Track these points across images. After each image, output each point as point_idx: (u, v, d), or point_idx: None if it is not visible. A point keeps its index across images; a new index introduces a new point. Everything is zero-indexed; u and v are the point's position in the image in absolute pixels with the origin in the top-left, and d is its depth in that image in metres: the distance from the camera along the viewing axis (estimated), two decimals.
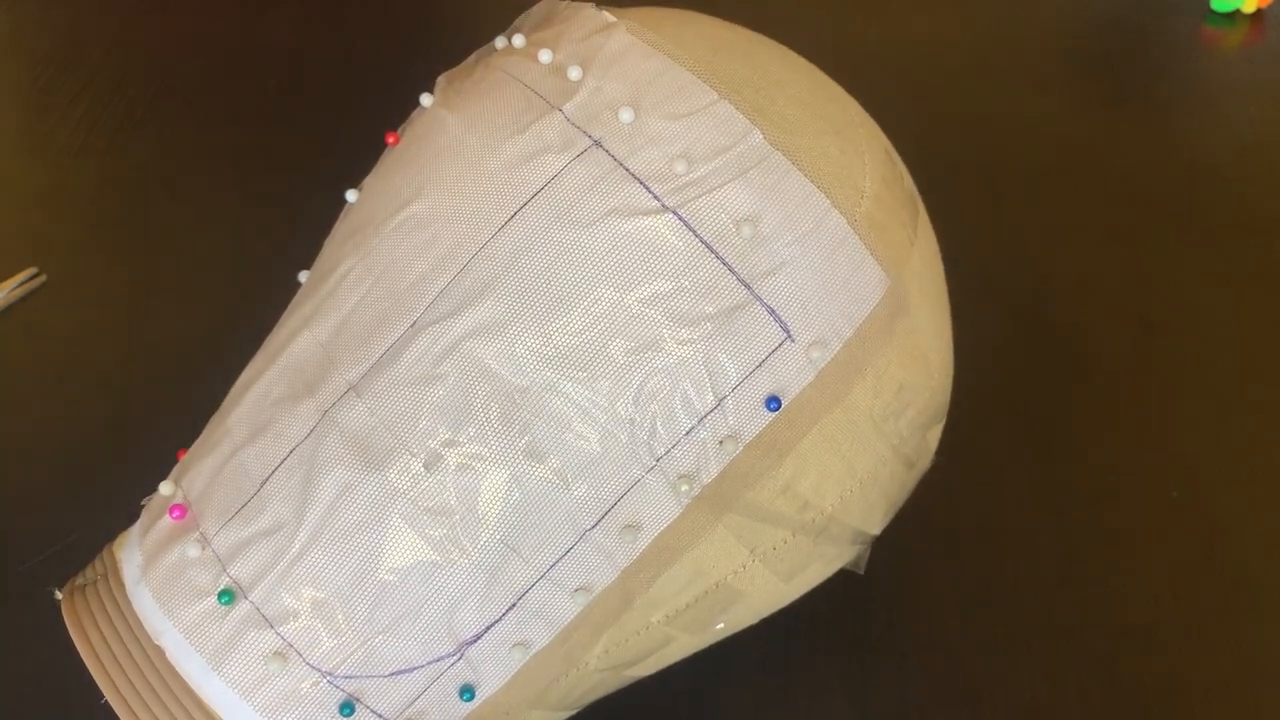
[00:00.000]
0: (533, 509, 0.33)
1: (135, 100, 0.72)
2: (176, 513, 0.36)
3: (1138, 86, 0.73)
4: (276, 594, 0.34)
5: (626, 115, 0.34)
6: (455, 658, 0.34)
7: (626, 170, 0.34)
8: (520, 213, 0.34)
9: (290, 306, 0.38)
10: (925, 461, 0.40)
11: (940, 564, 0.48)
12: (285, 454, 0.35)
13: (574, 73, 0.35)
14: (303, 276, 0.39)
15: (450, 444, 0.33)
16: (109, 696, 0.34)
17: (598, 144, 0.34)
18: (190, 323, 0.58)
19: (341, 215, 0.39)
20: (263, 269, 0.60)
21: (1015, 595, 0.48)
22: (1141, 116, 0.71)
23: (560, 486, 0.33)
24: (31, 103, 0.72)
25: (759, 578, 0.36)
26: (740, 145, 0.34)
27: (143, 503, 0.39)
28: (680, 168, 0.33)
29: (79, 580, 0.37)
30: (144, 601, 0.35)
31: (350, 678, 0.34)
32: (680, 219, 0.33)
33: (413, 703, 0.34)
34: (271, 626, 0.34)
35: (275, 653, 0.34)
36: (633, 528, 0.34)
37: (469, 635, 0.34)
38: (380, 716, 0.34)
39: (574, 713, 0.39)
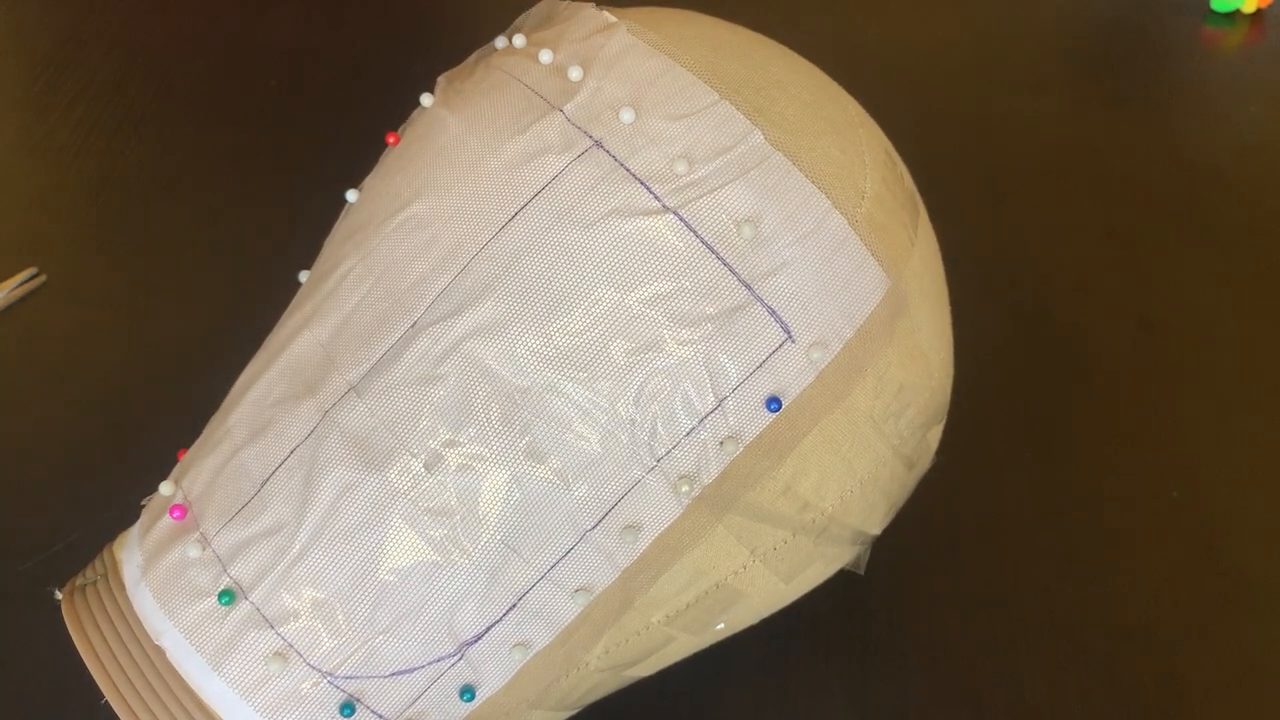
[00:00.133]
0: (533, 509, 0.33)
1: (135, 100, 0.72)
2: (177, 513, 0.36)
3: (1138, 86, 0.73)
4: (277, 594, 0.34)
5: (627, 116, 0.34)
6: (456, 658, 0.34)
7: (627, 171, 0.34)
8: (521, 213, 0.34)
9: (290, 306, 0.38)
10: (925, 461, 0.40)
11: (940, 564, 0.48)
12: (286, 454, 0.35)
13: (574, 73, 0.35)
14: (303, 276, 0.39)
15: (451, 444, 0.33)
16: (109, 696, 0.34)
17: (598, 144, 0.34)
18: (190, 323, 0.58)
19: (341, 215, 0.39)
20: (263, 269, 0.61)
21: (1015, 595, 0.48)
22: (1141, 116, 0.71)
23: (561, 487, 0.33)
24: (31, 103, 0.72)
25: (759, 578, 0.36)
26: (741, 146, 0.34)
27: (143, 503, 0.39)
28: (681, 168, 0.33)
29: (79, 580, 0.37)
30: (144, 602, 0.35)
31: (351, 678, 0.34)
32: (681, 219, 0.33)
33: (413, 703, 0.34)
34: (272, 627, 0.34)
35: (276, 653, 0.34)
36: (633, 528, 0.34)
37: (469, 635, 0.34)
38: (380, 717, 0.34)
39: (574, 713, 0.39)
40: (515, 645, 0.34)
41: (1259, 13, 0.80)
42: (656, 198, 0.33)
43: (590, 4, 0.38)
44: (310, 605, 0.34)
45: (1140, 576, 0.48)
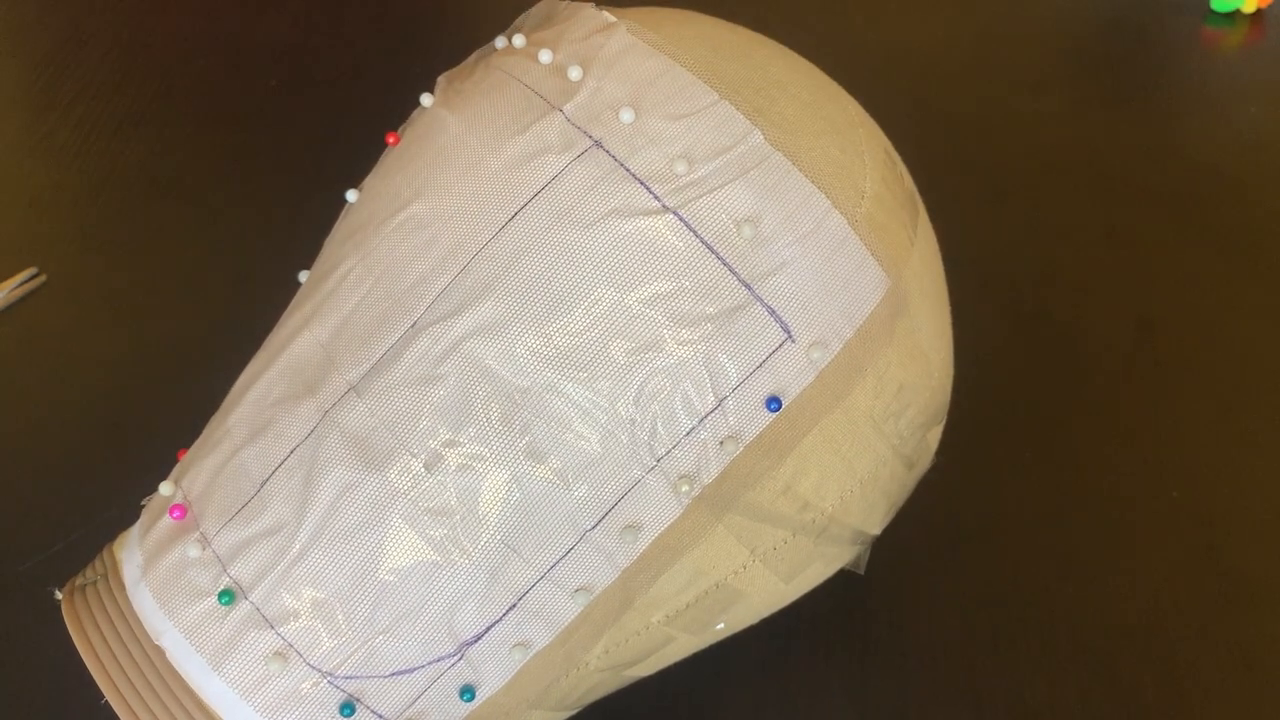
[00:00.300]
0: (533, 509, 0.33)
1: (135, 100, 0.72)
2: (177, 513, 0.36)
3: (1138, 86, 0.73)
4: (277, 594, 0.34)
5: (627, 115, 0.34)
6: (455, 658, 0.34)
7: (627, 171, 0.34)
8: (521, 213, 0.34)
9: (290, 306, 0.38)
10: (925, 461, 0.40)
11: (940, 564, 0.48)
12: (285, 454, 0.35)
13: (574, 73, 0.35)
14: (303, 276, 0.39)
15: (451, 444, 0.33)
16: (109, 696, 0.34)
17: (598, 144, 0.34)
18: (190, 323, 0.58)
19: (341, 215, 0.39)
20: (263, 269, 0.61)
21: (1015, 595, 0.48)
22: (1141, 116, 0.71)
23: (561, 487, 0.33)
24: (31, 103, 0.72)
25: (759, 578, 0.36)
26: (741, 146, 0.34)
27: (143, 503, 0.39)
28: (681, 168, 0.33)
29: (79, 580, 0.37)
30: (144, 601, 0.35)
31: (350, 678, 0.34)
32: (681, 219, 0.33)
33: (413, 703, 0.34)
34: (272, 627, 0.34)
35: (275, 653, 0.34)
36: (633, 528, 0.34)
37: (469, 635, 0.34)
38: (380, 717, 0.34)
39: (574, 713, 0.39)
40: (515, 645, 0.34)
41: (1259, 13, 0.80)
42: (656, 198, 0.33)
43: (590, 4, 0.38)
44: (310, 605, 0.34)
45: (1140, 576, 0.48)
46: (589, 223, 0.33)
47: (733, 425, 0.33)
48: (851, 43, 0.76)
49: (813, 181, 0.34)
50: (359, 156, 0.53)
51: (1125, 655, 0.46)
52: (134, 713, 0.34)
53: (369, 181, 0.39)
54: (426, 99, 0.39)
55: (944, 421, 0.40)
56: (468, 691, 0.34)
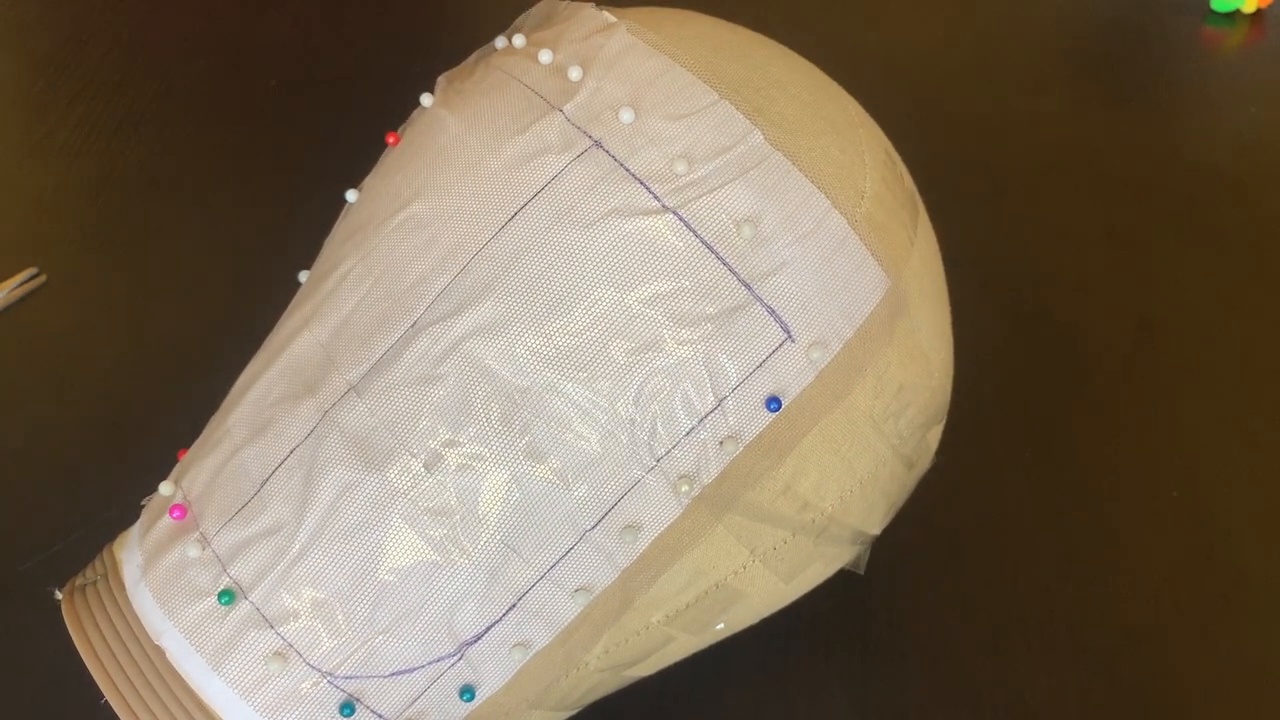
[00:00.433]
0: (533, 509, 0.33)
1: (135, 100, 0.72)
2: (176, 513, 0.36)
3: (1138, 86, 0.73)
4: (277, 594, 0.34)
5: (627, 115, 0.34)
6: (455, 658, 0.34)
7: (627, 170, 0.34)
8: (520, 213, 0.34)
9: (290, 306, 0.38)
10: (925, 461, 0.40)
11: (940, 564, 0.48)
12: (285, 454, 0.35)
13: (574, 73, 0.35)
14: (303, 276, 0.39)
15: (450, 444, 0.33)
16: (109, 696, 0.34)
17: (598, 144, 0.34)
18: (190, 323, 0.58)
19: (341, 215, 0.39)
20: (263, 269, 0.61)
21: (1015, 595, 0.48)
22: (1141, 116, 0.71)
23: (560, 487, 0.33)
24: (31, 103, 0.72)
25: (759, 578, 0.36)
26: (740, 146, 0.34)
27: (143, 503, 0.39)
28: (681, 168, 0.33)
29: (79, 580, 0.37)
30: (144, 601, 0.35)
31: (350, 678, 0.34)
32: (681, 219, 0.33)
33: (413, 703, 0.34)
34: (272, 627, 0.34)
35: (275, 653, 0.34)
36: (633, 528, 0.34)
37: (469, 635, 0.34)
38: (380, 717, 0.34)
39: (574, 713, 0.39)
40: (515, 645, 0.34)
41: (1259, 13, 0.80)
42: (656, 197, 0.33)
43: (590, 4, 0.38)
44: (310, 605, 0.34)
45: (1140, 576, 0.48)
46: (589, 223, 0.33)
47: (733, 425, 0.33)
48: (851, 43, 0.76)
49: (813, 181, 0.34)
50: (359, 156, 0.53)
51: (1125, 655, 0.46)
52: (134, 713, 0.34)
53: (369, 181, 0.39)
54: (426, 99, 0.39)
55: (944, 421, 0.40)
56: (467, 691, 0.34)
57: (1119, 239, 0.63)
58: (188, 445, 0.39)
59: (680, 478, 0.34)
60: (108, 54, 0.76)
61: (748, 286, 0.33)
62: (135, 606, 0.35)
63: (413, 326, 0.34)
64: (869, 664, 0.45)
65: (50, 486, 0.51)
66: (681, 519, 0.34)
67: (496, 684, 0.35)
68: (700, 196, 0.33)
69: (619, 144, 0.34)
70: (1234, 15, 0.79)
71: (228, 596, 0.34)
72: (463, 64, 0.40)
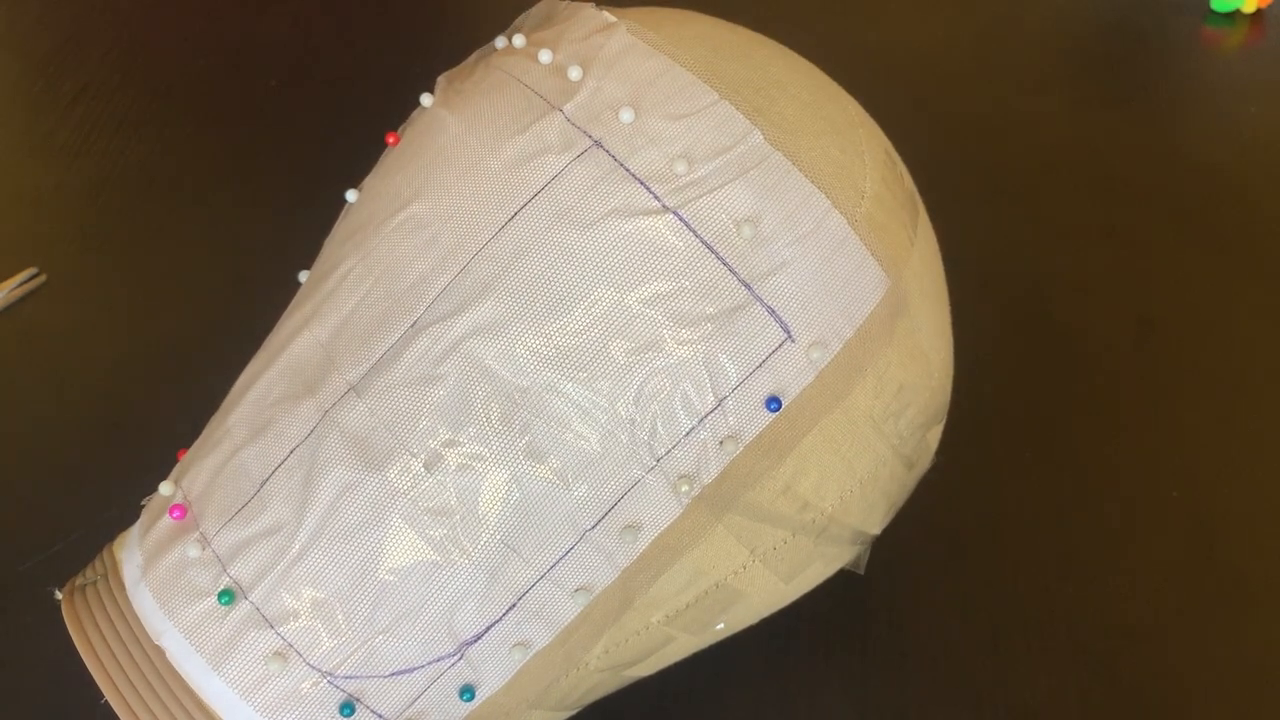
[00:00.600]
0: (533, 509, 0.33)
1: (135, 100, 0.72)
2: (177, 513, 0.36)
3: (1138, 86, 0.73)
4: (277, 594, 0.34)
5: (627, 115, 0.34)
6: (455, 658, 0.34)
7: (627, 170, 0.34)
8: (520, 213, 0.34)
9: (290, 306, 0.38)
10: (925, 461, 0.40)
11: (940, 564, 0.48)
12: (285, 454, 0.35)
13: (574, 73, 0.35)
14: (303, 276, 0.39)
15: (450, 444, 0.33)
16: (109, 696, 0.34)
17: (598, 144, 0.34)
18: (190, 323, 0.58)
19: (341, 215, 0.39)
20: (263, 269, 0.61)
21: (1015, 595, 0.48)
22: (1141, 116, 0.71)
23: (560, 487, 0.33)
24: (31, 103, 0.72)
25: (759, 578, 0.36)
26: (740, 146, 0.34)
27: (143, 503, 0.39)
28: (681, 168, 0.33)
29: (79, 580, 0.37)
30: (144, 601, 0.35)
31: (350, 678, 0.34)
32: (681, 219, 0.33)
33: (413, 703, 0.34)
34: (272, 627, 0.34)
35: (275, 653, 0.34)
36: (633, 528, 0.34)
37: (469, 635, 0.34)
38: (380, 717, 0.34)
39: (574, 713, 0.39)
40: (515, 645, 0.34)
41: (1259, 13, 0.79)
42: (656, 197, 0.33)
43: (590, 4, 0.38)
44: (310, 605, 0.34)
45: (1140, 576, 0.48)
46: (589, 223, 0.33)
47: (732, 425, 0.33)
48: (851, 43, 0.76)
49: (813, 181, 0.34)
50: (359, 156, 0.53)
51: (1125, 655, 0.46)
52: (134, 713, 0.34)
53: (369, 181, 0.39)
54: (426, 99, 0.39)
55: (944, 421, 0.40)
56: (467, 691, 0.34)
57: (1119, 239, 0.63)
58: (188, 445, 0.39)
59: (680, 478, 0.34)
60: (108, 54, 0.76)
61: (748, 286, 0.33)
62: (135, 606, 0.35)
63: (413, 326, 0.34)
64: (869, 664, 0.45)
65: (50, 486, 0.51)
66: (681, 519, 0.34)
67: (496, 684, 0.35)
68: (700, 196, 0.33)
69: (619, 144, 0.34)
70: (1234, 15, 0.79)
71: (228, 596, 0.34)
72: (463, 64, 0.40)
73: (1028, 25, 0.79)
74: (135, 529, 0.38)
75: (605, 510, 0.34)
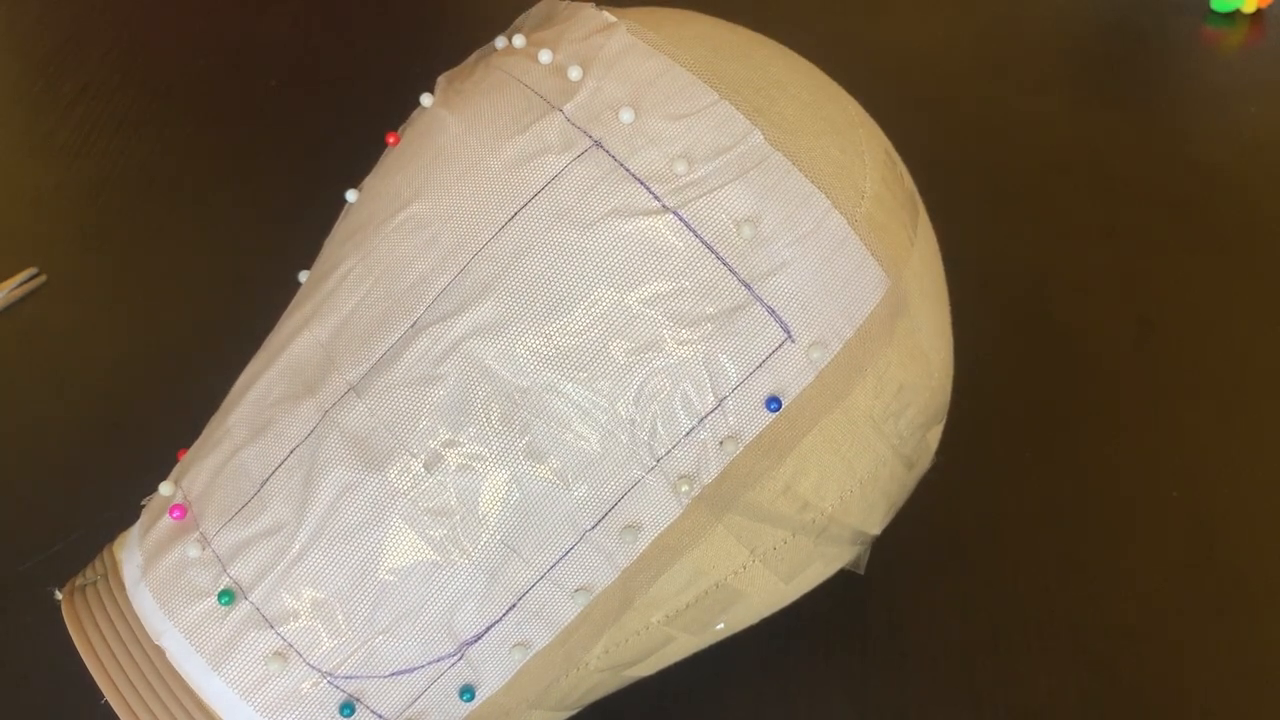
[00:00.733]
0: (533, 509, 0.33)
1: (135, 100, 0.72)
2: (177, 513, 0.36)
3: (1138, 86, 0.73)
4: (277, 594, 0.34)
5: (627, 115, 0.34)
6: (455, 658, 0.34)
7: (627, 170, 0.34)
8: (520, 213, 0.34)
9: (290, 306, 0.38)
10: (925, 461, 0.40)
11: (940, 564, 0.48)
12: (285, 454, 0.35)
13: (574, 73, 0.35)
14: (303, 276, 0.39)
15: (450, 444, 0.33)
16: (109, 696, 0.34)
17: (598, 144, 0.34)
18: (190, 323, 0.58)
19: (341, 215, 0.39)
20: (263, 269, 0.60)
21: (1015, 595, 0.48)
22: (1141, 116, 0.71)
23: (560, 487, 0.33)
24: (31, 103, 0.72)
25: (759, 578, 0.36)
26: (740, 146, 0.34)
27: (143, 503, 0.39)
28: (681, 168, 0.33)
29: (79, 580, 0.37)
30: (144, 602, 0.35)
31: (350, 678, 0.34)
32: (681, 219, 0.33)
33: (413, 703, 0.34)
34: (272, 627, 0.34)
35: (275, 653, 0.34)
36: (633, 528, 0.34)
37: (469, 635, 0.34)
38: (380, 717, 0.34)
39: (574, 713, 0.39)
40: (515, 645, 0.34)
41: (1259, 13, 0.80)
42: (656, 198, 0.33)
43: (590, 4, 0.38)
44: (310, 605, 0.34)
45: (1140, 576, 0.48)
46: (589, 223, 0.33)
47: (732, 425, 0.33)
48: (851, 43, 0.76)
49: (813, 181, 0.34)
50: (359, 156, 0.53)
51: (1125, 655, 0.46)
52: (134, 713, 0.34)
53: (369, 181, 0.39)
54: (426, 99, 0.39)
55: (944, 421, 0.40)
56: (467, 691, 0.34)
57: (1119, 239, 0.63)
58: (188, 445, 0.39)
59: (680, 478, 0.34)
60: (108, 54, 0.76)
61: (748, 286, 0.33)
62: (135, 607, 0.35)
63: (413, 326, 0.34)
64: (869, 664, 0.45)
65: (50, 486, 0.51)
66: (681, 519, 0.34)
67: (496, 684, 0.35)
68: (700, 196, 0.33)
69: (619, 144, 0.34)
70: (1234, 15, 0.79)
71: (228, 596, 0.34)
72: (463, 64, 0.40)
73: (1028, 25, 0.79)
74: (135, 529, 0.38)
75: (605, 510, 0.34)
